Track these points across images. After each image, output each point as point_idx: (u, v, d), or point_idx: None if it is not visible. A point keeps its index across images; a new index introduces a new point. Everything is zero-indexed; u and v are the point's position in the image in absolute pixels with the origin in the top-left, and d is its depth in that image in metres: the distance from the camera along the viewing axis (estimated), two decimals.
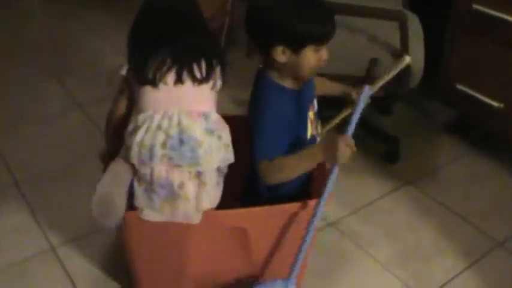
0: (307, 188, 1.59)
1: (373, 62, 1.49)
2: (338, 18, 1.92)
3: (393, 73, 1.63)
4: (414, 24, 2.21)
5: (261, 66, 1.48)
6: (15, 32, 3.47)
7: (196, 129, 1.39)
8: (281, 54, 1.38)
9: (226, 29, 2.96)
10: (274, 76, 1.44)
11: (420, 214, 2.07)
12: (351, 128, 1.40)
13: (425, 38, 2.17)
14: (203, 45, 1.48)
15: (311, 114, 1.54)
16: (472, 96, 2.24)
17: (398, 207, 2.10)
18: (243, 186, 1.61)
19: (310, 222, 1.42)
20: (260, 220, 1.47)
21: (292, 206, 1.45)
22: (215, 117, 1.45)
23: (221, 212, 1.44)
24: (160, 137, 1.37)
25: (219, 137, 1.43)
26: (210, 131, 1.41)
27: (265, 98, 1.42)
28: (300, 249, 1.45)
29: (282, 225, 1.49)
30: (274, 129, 1.40)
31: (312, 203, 1.44)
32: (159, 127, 1.38)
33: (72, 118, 2.57)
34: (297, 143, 1.47)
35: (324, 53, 1.40)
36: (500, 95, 2.16)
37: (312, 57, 1.39)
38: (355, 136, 1.39)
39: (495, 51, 2.13)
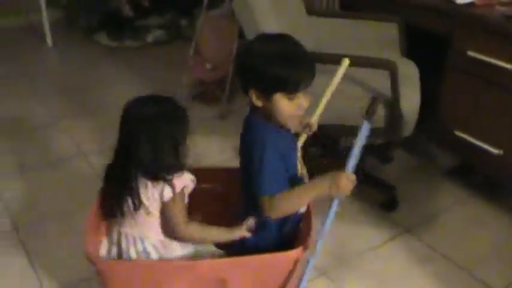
0: (292, 239, 1.58)
1: (374, 99, 1.52)
2: (330, 67, 1.97)
3: (337, 78, 1.65)
4: (410, 72, 2.22)
5: (249, 109, 1.51)
6: (29, 78, 3.59)
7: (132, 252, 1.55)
8: (256, 99, 1.41)
9: (231, 77, 3.00)
10: (264, 118, 1.46)
11: (417, 263, 2.03)
12: (352, 163, 1.42)
13: (425, 84, 2.17)
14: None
15: (299, 155, 1.56)
16: (471, 143, 2.22)
17: (394, 256, 2.07)
18: None
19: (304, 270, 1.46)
20: (239, 270, 1.46)
21: (273, 256, 1.45)
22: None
23: (199, 263, 1.44)
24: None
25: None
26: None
27: (263, 137, 1.44)
28: None
29: (263, 275, 1.48)
30: (274, 165, 1.42)
31: (292, 254, 1.44)
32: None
33: (75, 165, 2.62)
34: (291, 181, 1.49)
35: (301, 101, 1.40)
36: (499, 141, 2.14)
37: (285, 105, 1.39)
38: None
39: (492, 97, 2.13)
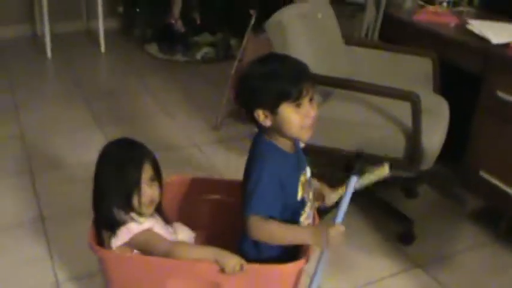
0: (295, 252, 1.59)
1: (359, 157, 1.54)
2: (357, 95, 1.98)
3: (373, 177, 1.62)
4: (439, 108, 2.22)
5: (256, 130, 1.55)
6: (77, 80, 3.77)
7: None
8: (264, 118, 1.45)
9: None
10: (270, 138, 1.50)
11: None
12: (341, 216, 1.44)
13: (459, 122, 2.18)
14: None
15: (303, 178, 1.57)
16: (496, 185, 2.19)
17: None
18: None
19: None
20: (235, 277, 1.48)
21: (266, 268, 1.47)
22: None
23: (197, 264, 1.48)
24: None
25: None
26: None
27: (264, 155, 1.47)
28: None
29: (256, 285, 1.50)
30: (270, 186, 1.44)
31: (285, 268, 1.46)
32: None
33: None
34: (287, 204, 1.50)
35: (307, 109, 1.43)
36: None
37: (293, 115, 1.42)
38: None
39: None
